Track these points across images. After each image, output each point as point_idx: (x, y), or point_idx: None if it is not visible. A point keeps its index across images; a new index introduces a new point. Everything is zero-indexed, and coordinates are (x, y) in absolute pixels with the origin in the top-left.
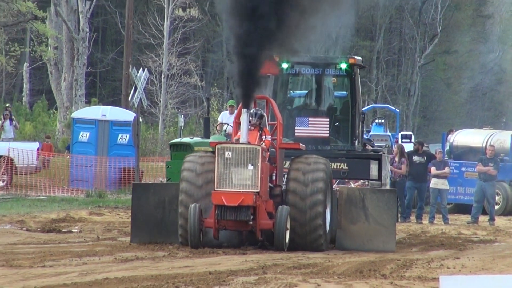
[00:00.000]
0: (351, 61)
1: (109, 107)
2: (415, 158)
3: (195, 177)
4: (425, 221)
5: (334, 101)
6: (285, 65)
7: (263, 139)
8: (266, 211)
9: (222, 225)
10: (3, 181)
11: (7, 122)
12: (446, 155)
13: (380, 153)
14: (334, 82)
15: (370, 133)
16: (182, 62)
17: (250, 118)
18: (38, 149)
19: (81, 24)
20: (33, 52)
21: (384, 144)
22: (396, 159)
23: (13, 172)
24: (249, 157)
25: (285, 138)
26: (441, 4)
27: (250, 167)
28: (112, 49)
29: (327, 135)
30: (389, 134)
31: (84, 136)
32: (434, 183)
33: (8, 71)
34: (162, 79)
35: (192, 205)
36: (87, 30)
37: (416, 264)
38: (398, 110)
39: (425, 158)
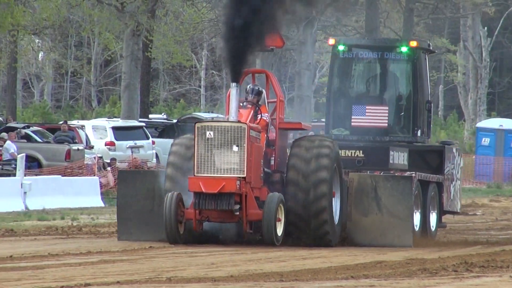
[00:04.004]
0: (412, 44)
1: (505, 119)
2: None
3: (183, 162)
4: None
5: (395, 88)
6: (341, 48)
7: (259, 118)
8: (260, 200)
9: (205, 216)
10: None
11: None
12: None
13: (452, 146)
14: None
15: None
16: None
17: (246, 94)
18: None
19: (483, 55)
20: (446, 77)
21: None
22: None
23: None
24: (234, 137)
25: (340, 129)
26: None
27: (235, 148)
28: (507, 74)
29: (386, 124)
30: None
31: (486, 141)
32: None
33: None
34: None
35: (170, 193)
36: (488, 60)
37: None
38: None
39: None
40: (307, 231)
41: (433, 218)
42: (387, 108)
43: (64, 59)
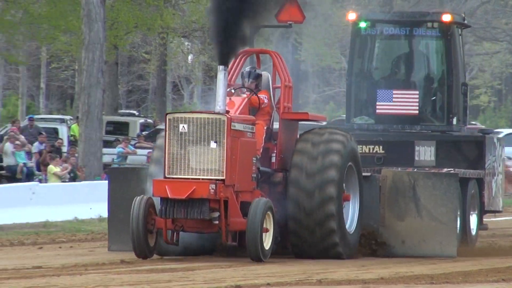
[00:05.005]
0: (445, 18)
1: None
2: None
3: None
4: None
5: (426, 69)
6: (363, 24)
7: (263, 104)
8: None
9: (179, 225)
10: None
11: None
12: None
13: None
14: None
15: None
16: None
17: (243, 80)
18: None
19: None
20: None
21: None
22: None
23: None
24: (212, 131)
25: (363, 117)
26: None
27: (213, 145)
28: None
29: (417, 112)
30: None
31: None
32: None
33: None
34: None
35: (138, 197)
36: None
37: None
38: None
39: None
40: (311, 241)
41: (473, 220)
42: (417, 92)
43: (214, 61)
